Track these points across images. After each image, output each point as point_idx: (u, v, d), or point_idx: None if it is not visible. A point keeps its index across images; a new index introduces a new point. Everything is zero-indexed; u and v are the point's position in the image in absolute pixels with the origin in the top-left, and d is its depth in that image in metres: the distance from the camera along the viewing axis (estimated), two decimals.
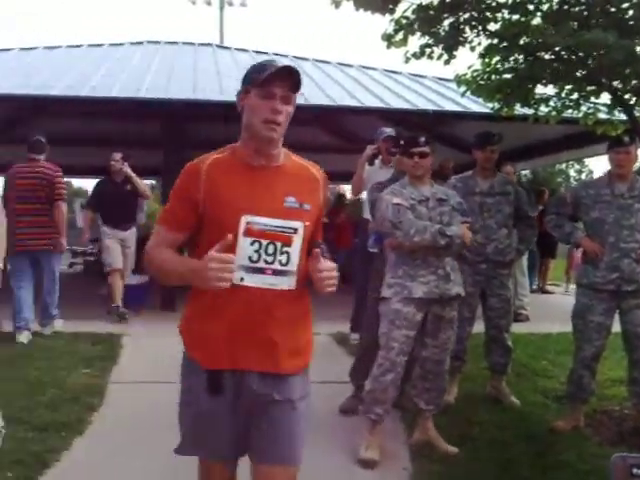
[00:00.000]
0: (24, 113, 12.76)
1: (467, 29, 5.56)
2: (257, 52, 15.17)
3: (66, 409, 5.09)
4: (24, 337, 7.35)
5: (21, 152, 8.09)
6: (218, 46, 17.15)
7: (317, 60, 14.58)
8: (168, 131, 10.13)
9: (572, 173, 40.46)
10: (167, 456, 4.21)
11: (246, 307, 2.35)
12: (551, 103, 6.38)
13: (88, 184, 30.20)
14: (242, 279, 2.33)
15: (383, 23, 13.20)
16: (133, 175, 8.96)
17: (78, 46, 14.83)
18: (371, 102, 10.36)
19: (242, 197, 2.36)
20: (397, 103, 10.47)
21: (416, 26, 5.46)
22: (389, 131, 6.39)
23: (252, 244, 2.34)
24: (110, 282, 8.97)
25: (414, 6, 5.38)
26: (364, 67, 14.38)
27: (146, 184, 9.11)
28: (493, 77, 6.06)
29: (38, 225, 7.57)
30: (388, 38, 5.58)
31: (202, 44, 16.22)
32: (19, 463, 4.06)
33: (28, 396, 5.32)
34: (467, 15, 5.42)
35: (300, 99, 9.72)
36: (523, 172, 21.27)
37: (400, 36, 5.55)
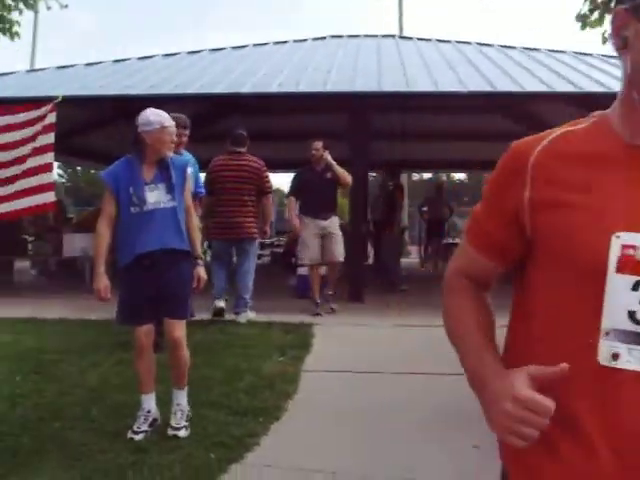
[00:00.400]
0: (216, 111, 13.35)
1: None
2: (440, 41, 15.03)
3: (263, 395, 5.25)
4: (219, 302, 8.00)
5: (214, 149, 8.50)
6: (400, 37, 17.14)
7: (502, 46, 14.21)
8: (354, 123, 10.22)
9: None
10: (361, 443, 4.33)
11: (632, 409, 1.20)
12: None
13: (273, 178, 31.34)
14: (616, 356, 1.20)
15: (576, 3, 12.64)
16: (334, 163, 8.85)
17: (264, 44, 15.36)
18: (561, 86, 9.94)
19: (612, 203, 1.23)
20: (589, 86, 10.00)
21: (613, 4, 5.21)
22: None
23: (635, 288, 1.18)
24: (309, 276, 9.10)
25: None
26: (551, 51, 13.85)
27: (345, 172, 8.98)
28: None
29: (245, 214, 8.08)
30: (583, 18, 5.38)
31: (384, 35, 16.25)
32: (221, 445, 4.23)
33: (227, 382, 5.53)
34: None
35: (487, 86, 9.51)
36: None
37: (596, 15, 5.35)
